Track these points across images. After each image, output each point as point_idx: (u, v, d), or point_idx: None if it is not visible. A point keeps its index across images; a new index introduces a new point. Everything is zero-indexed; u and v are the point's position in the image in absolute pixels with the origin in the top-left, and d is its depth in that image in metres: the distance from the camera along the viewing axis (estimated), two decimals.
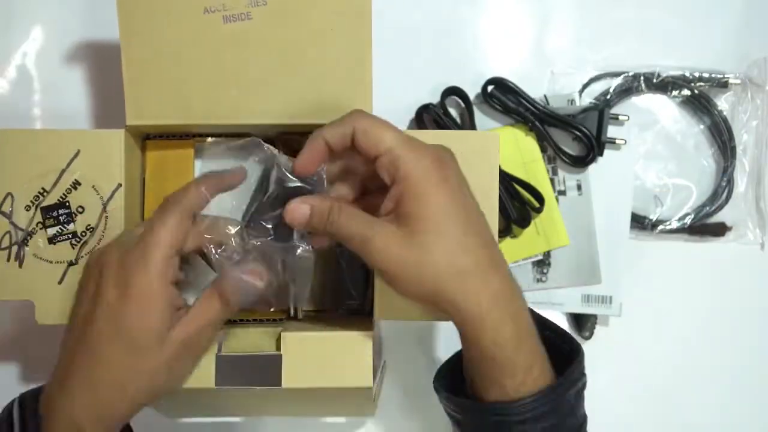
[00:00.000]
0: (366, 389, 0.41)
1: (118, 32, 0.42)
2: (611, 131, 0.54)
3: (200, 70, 0.42)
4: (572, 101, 0.55)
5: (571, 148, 0.54)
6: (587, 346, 0.55)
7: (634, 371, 0.55)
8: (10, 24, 0.56)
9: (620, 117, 0.54)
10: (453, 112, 0.55)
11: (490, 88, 0.54)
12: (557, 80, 0.56)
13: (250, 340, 0.42)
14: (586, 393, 0.38)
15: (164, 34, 0.42)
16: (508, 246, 0.55)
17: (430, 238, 0.36)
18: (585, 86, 0.56)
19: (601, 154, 0.54)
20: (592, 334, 0.55)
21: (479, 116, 0.55)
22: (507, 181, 0.53)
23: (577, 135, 0.53)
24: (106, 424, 0.37)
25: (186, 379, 0.40)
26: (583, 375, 0.39)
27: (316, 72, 0.42)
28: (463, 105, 0.55)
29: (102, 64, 0.56)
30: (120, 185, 0.43)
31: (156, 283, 0.37)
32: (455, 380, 0.41)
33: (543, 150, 0.55)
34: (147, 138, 0.46)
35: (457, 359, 0.42)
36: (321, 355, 0.41)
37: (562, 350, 0.40)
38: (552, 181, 0.54)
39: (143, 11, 0.42)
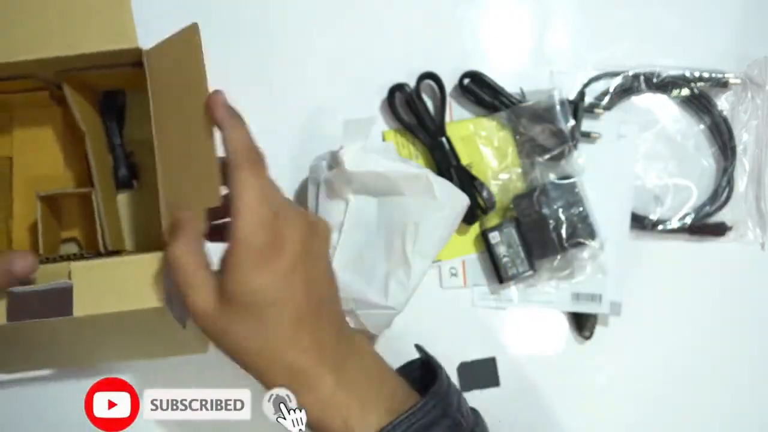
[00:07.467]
0: (158, 309, 0.40)
1: None
2: (588, 125, 0.54)
3: None
4: (551, 96, 0.54)
5: (548, 142, 0.54)
6: (587, 346, 0.56)
7: (634, 371, 0.55)
8: None
9: (596, 110, 0.54)
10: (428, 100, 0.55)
11: (466, 81, 0.54)
12: (557, 80, 0.56)
13: (44, 277, 0.41)
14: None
15: None
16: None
17: None
18: (585, 86, 0.56)
19: (575, 148, 0.53)
20: (592, 334, 0.55)
21: (458, 108, 0.56)
22: (466, 177, 0.53)
23: (552, 129, 0.53)
24: None
25: None
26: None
27: None
28: (438, 92, 0.54)
29: None
30: None
31: None
32: None
33: (521, 144, 0.54)
34: None
35: None
36: (112, 281, 0.40)
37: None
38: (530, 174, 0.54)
39: None
